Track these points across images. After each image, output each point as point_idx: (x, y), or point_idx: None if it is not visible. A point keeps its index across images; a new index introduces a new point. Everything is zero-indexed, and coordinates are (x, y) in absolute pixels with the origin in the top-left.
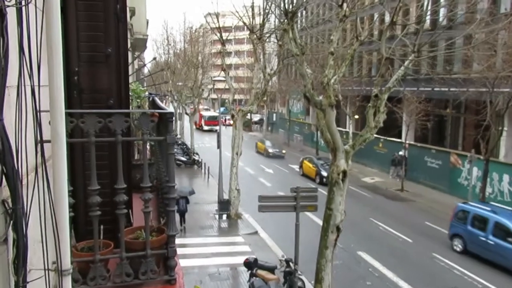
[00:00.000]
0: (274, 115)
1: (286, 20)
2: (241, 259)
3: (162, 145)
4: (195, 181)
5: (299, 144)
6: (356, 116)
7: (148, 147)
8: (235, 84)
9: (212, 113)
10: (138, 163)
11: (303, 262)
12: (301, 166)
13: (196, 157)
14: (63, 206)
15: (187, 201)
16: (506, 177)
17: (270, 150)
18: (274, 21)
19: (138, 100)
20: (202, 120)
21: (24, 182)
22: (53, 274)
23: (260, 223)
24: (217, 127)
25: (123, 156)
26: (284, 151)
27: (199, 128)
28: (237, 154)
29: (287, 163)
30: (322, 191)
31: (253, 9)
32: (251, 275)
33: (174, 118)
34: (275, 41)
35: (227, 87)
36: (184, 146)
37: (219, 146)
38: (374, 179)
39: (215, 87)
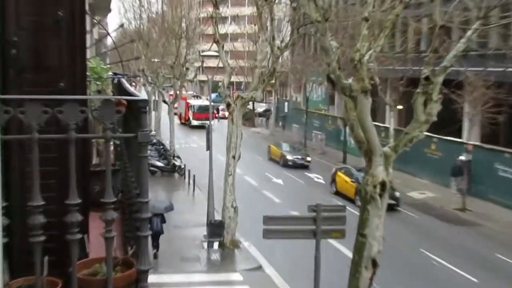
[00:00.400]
0: (286, 104)
1: None
2: None
3: (131, 145)
4: (176, 195)
5: (319, 144)
6: (400, 107)
7: (112, 147)
8: (232, 62)
9: (204, 101)
10: (97, 169)
11: None
12: (333, 180)
13: (177, 162)
14: None
15: (163, 220)
16: None
17: (289, 157)
18: None
19: (99, 83)
20: (190, 112)
21: None
22: None
23: (266, 254)
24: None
25: (77, 160)
26: (309, 158)
27: (186, 123)
28: (234, 158)
29: (303, 171)
30: (355, 212)
31: None
32: None
33: (148, 108)
34: (287, 2)
35: (221, 65)
36: (161, 147)
37: (209, 147)
38: (424, 194)
39: (205, 65)
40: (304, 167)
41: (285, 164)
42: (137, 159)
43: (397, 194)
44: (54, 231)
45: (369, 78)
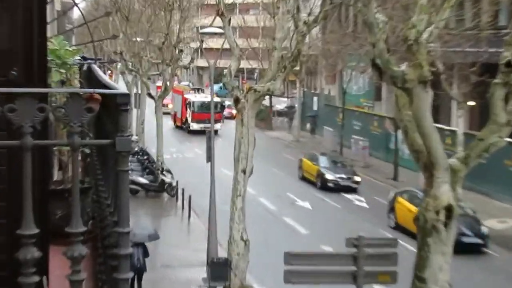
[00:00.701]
0: (315, 99)
1: None
2: None
3: (106, 156)
4: (165, 223)
5: (361, 154)
6: (471, 103)
7: (80, 158)
8: (241, 42)
9: (208, 97)
10: (60, 188)
11: None
12: (392, 209)
13: (167, 178)
14: None
15: (146, 253)
16: None
17: (330, 177)
18: None
19: (63, 71)
20: (188, 111)
21: None
22: None
23: None
24: (215, 125)
25: (34, 175)
26: (358, 179)
27: (182, 127)
28: (244, 173)
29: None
30: (413, 249)
31: None
32: None
33: (129, 105)
34: None
35: (226, 46)
36: (145, 158)
37: (210, 158)
38: (506, 223)
39: (205, 46)
40: (350, 190)
41: (324, 185)
42: (115, 174)
43: (485, 230)
44: (3, 271)
45: (429, 64)
